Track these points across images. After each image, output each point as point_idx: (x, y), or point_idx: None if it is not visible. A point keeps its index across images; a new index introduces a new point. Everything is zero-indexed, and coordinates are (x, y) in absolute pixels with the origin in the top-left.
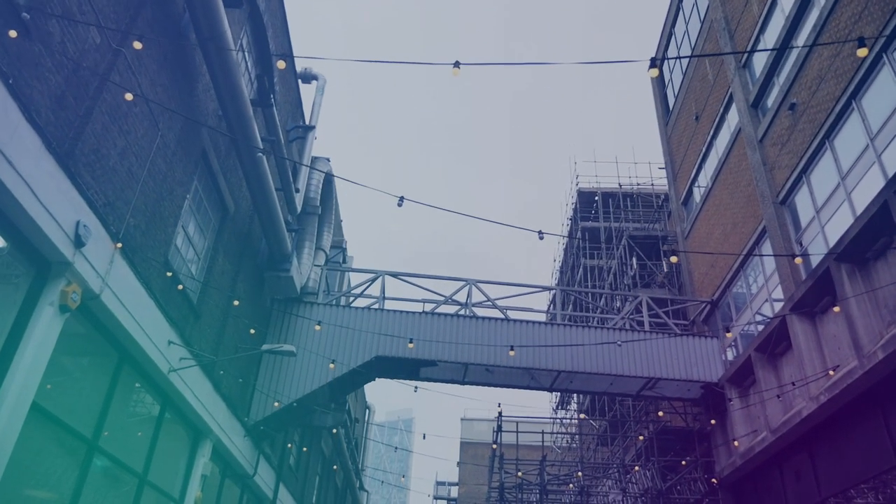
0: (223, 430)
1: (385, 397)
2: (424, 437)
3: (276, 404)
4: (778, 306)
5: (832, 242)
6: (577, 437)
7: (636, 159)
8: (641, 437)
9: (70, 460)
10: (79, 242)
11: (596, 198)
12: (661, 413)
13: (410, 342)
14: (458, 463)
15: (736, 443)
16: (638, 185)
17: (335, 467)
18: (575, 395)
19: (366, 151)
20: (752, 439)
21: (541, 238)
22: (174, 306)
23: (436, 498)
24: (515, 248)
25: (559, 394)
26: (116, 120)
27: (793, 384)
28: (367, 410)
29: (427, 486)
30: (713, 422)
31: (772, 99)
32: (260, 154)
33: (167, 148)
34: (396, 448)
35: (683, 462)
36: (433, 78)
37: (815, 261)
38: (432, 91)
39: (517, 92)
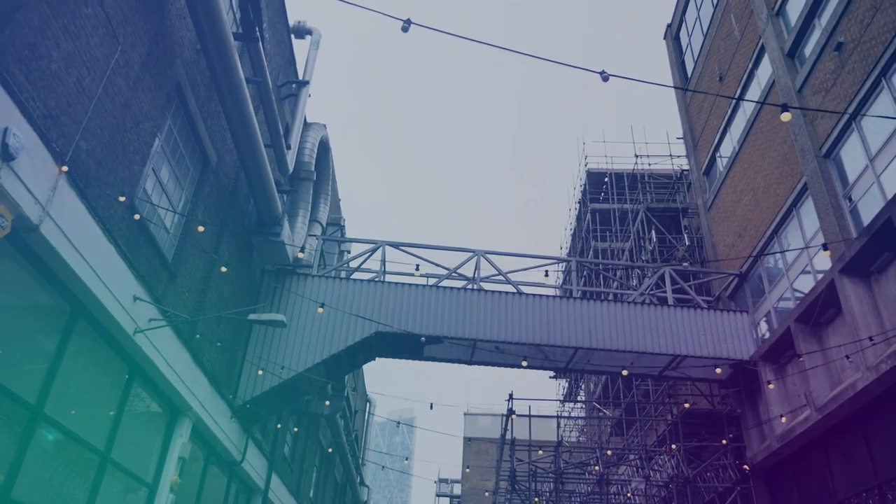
0: (205, 408)
1: (386, 395)
2: (431, 407)
3: (260, 372)
4: (821, 273)
5: (891, 192)
6: (590, 426)
7: (647, 139)
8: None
9: (6, 428)
10: (6, 155)
11: (606, 178)
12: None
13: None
14: (466, 439)
15: (783, 419)
16: (650, 164)
17: (330, 450)
18: (583, 386)
19: (364, 149)
20: (791, 420)
21: (605, 79)
22: (142, 259)
23: (438, 495)
24: (519, 246)
25: (567, 386)
26: (60, 15)
27: (871, 338)
28: (368, 404)
29: (430, 481)
30: (771, 385)
31: (812, 43)
32: (245, 94)
33: (129, 69)
34: (399, 422)
35: (724, 441)
36: (432, 79)
37: (865, 216)
38: (431, 92)
39: (517, 90)
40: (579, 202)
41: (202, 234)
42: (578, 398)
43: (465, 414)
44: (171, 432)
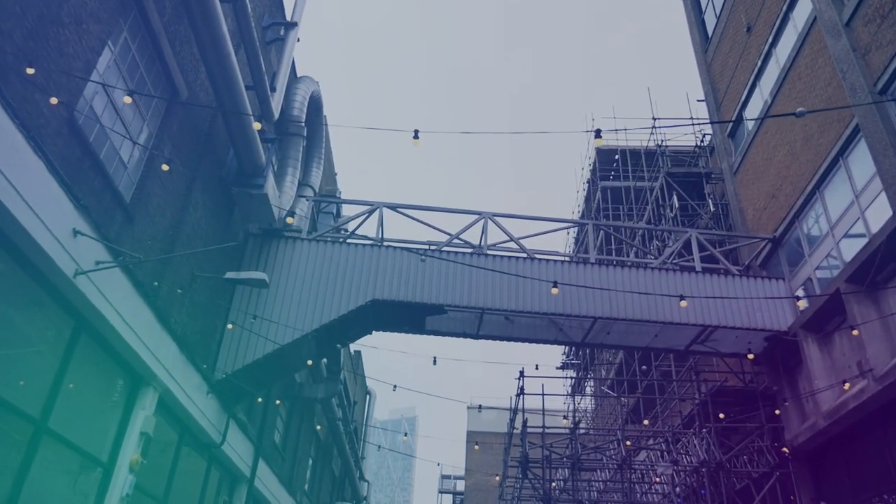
0: (174, 378)
1: (387, 394)
2: (435, 363)
3: (230, 326)
4: (874, 229)
5: None
6: (602, 415)
7: (661, 114)
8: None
9: None
10: None
11: (617, 156)
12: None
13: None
14: (478, 408)
15: (847, 386)
16: (665, 139)
17: (319, 427)
18: (592, 375)
19: (365, 148)
20: (842, 394)
21: None
22: (88, 189)
23: (441, 492)
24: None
25: (574, 378)
26: None
27: None
28: (368, 396)
29: (432, 482)
30: (852, 334)
31: None
32: (216, 7)
33: None
34: (395, 386)
35: (777, 412)
36: (431, 79)
37: None
38: (430, 92)
39: (518, 88)
40: (588, 181)
41: (169, 176)
42: (591, 379)
43: (468, 408)
44: (131, 404)
